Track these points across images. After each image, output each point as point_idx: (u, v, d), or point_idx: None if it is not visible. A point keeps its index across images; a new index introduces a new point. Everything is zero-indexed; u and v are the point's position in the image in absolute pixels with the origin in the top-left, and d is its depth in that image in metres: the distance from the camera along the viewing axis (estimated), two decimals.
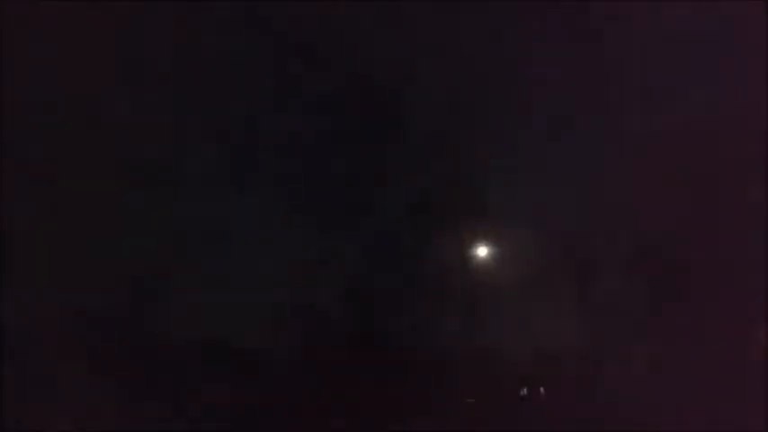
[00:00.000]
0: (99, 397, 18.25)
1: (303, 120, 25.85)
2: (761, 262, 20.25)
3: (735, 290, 21.38)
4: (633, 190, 22.75)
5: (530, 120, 27.65)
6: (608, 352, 20.88)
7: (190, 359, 19.93)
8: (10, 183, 19.36)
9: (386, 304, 20.93)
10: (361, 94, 22.19)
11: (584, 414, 17.91)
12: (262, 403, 18.74)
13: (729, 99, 21.39)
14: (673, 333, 20.58)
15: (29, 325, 18.96)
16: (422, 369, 19.45)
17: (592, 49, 24.45)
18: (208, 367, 19.96)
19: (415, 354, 20.02)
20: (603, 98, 23.51)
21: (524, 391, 21.30)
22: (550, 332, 21.56)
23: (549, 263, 22.37)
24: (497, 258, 22.60)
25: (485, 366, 20.93)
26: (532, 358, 21.60)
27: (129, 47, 21.86)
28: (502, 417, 19.11)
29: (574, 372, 21.09)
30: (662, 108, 22.78)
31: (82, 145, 20.80)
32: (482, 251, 22.49)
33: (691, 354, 19.88)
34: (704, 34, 21.79)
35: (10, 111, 19.34)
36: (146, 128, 24.36)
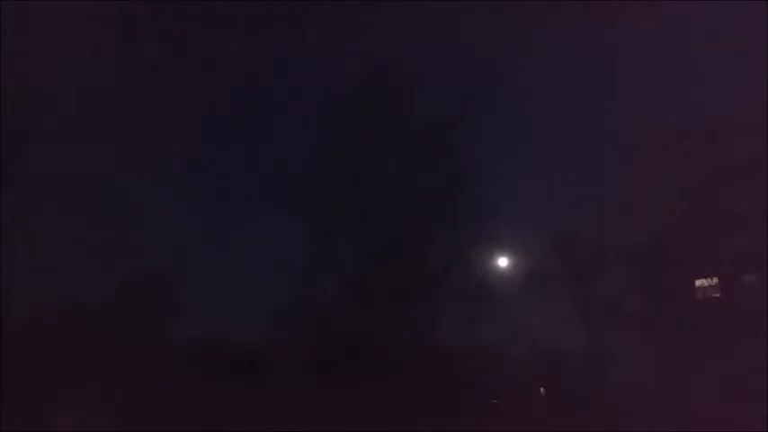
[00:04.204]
0: (99, 397, 18.23)
1: (303, 121, 25.87)
2: (761, 261, 20.22)
3: (735, 289, 21.36)
4: (633, 190, 22.76)
5: (530, 120, 27.61)
6: (608, 352, 20.85)
7: (190, 359, 19.91)
8: (10, 182, 19.41)
9: (386, 304, 20.90)
10: (362, 95, 22.19)
11: (584, 414, 17.85)
12: (261, 403, 18.70)
13: (729, 99, 21.40)
14: (673, 333, 20.53)
15: (29, 325, 19.00)
16: (422, 369, 19.39)
17: (592, 50, 24.52)
18: (208, 367, 19.93)
19: (415, 354, 19.97)
20: (604, 99, 23.54)
21: (526, 392, 21.28)
22: (550, 332, 21.55)
23: (549, 263, 22.38)
24: (498, 258, 22.59)
25: (485, 366, 20.89)
26: (533, 358, 21.58)
27: (128, 46, 21.94)
28: (503, 416, 19.05)
29: (574, 372, 21.08)
30: (662, 108, 22.82)
31: (82, 144, 20.85)
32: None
33: (691, 353, 19.83)
34: (704, 34, 21.83)
35: (11, 109, 19.40)
36: (146, 128, 24.40)
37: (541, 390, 21.54)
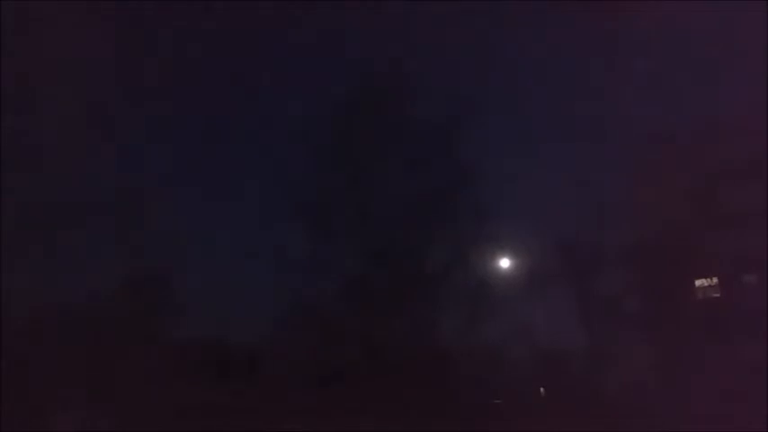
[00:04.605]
0: (99, 397, 18.24)
1: (304, 121, 25.85)
2: (761, 261, 20.23)
3: (735, 289, 21.36)
4: (633, 190, 22.77)
5: (530, 120, 27.61)
6: (608, 352, 20.83)
7: (190, 359, 19.90)
8: (10, 182, 19.40)
9: (386, 304, 20.87)
10: (362, 96, 22.15)
11: (584, 414, 17.86)
12: (261, 403, 18.71)
13: (729, 99, 21.42)
14: (673, 333, 20.53)
15: (29, 325, 18.99)
16: (422, 369, 19.37)
17: (592, 50, 24.54)
18: (208, 367, 19.93)
19: (415, 354, 19.94)
20: (604, 99, 23.57)
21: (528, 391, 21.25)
22: (550, 332, 21.55)
23: (549, 263, 22.36)
24: (498, 259, 22.55)
25: (484, 366, 20.88)
26: (533, 358, 21.59)
27: (130, 47, 21.95)
28: (503, 416, 19.07)
29: (574, 372, 21.07)
30: (662, 108, 22.84)
31: (82, 145, 20.86)
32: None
33: (691, 353, 19.83)
34: (704, 34, 21.84)
35: (10, 108, 19.38)
36: (146, 128, 24.43)
37: (541, 390, 21.54)
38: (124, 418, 17.77)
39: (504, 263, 22.62)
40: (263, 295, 22.96)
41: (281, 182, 22.68)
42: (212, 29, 23.34)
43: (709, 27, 21.68)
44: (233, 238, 25.84)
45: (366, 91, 22.07)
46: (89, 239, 21.34)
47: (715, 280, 22.00)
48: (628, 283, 22.03)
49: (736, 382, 17.88)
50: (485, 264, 22.30)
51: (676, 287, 22.03)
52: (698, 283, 22.37)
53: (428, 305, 21.17)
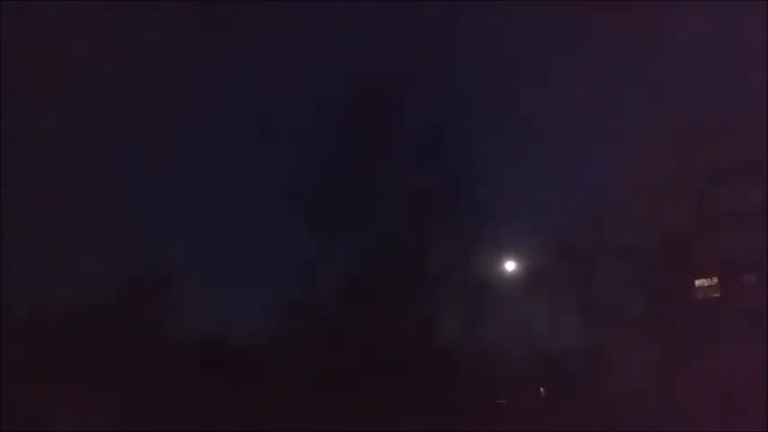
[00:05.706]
0: (99, 397, 18.25)
1: (303, 120, 25.88)
2: (761, 262, 20.23)
3: (735, 289, 21.35)
4: (633, 190, 22.76)
5: (530, 120, 27.61)
6: (608, 352, 20.82)
7: (190, 359, 19.90)
8: (10, 182, 19.42)
9: (386, 304, 20.85)
10: (363, 96, 22.15)
11: (584, 414, 17.85)
12: (261, 403, 18.70)
13: (729, 99, 21.42)
14: (673, 333, 20.52)
15: (29, 325, 19.01)
16: (422, 369, 19.37)
17: (592, 50, 24.55)
18: (208, 367, 19.92)
19: (414, 354, 19.93)
20: (604, 98, 23.58)
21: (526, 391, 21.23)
22: (551, 332, 21.53)
23: (549, 263, 22.34)
24: (498, 259, 22.53)
25: (485, 366, 20.87)
26: (533, 358, 21.57)
27: (130, 41, 21.97)
28: (503, 416, 19.06)
29: (574, 372, 21.05)
30: (662, 108, 22.85)
31: (83, 145, 20.88)
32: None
33: (691, 353, 19.82)
34: (705, 34, 21.85)
35: (12, 108, 19.39)
36: (146, 128, 24.42)
37: (541, 390, 21.53)
38: (124, 418, 17.77)
39: (504, 263, 22.62)
40: (263, 295, 22.89)
41: (281, 182, 22.62)
42: (212, 28, 23.32)
43: (709, 27, 21.68)
44: (233, 237, 25.81)
45: (366, 91, 22.07)
46: (89, 239, 21.37)
47: (715, 280, 21.98)
48: (628, 284, 22.00)
49: (736, 382, 17.86)
50: (485, 264, 22.30)
51: (676, 287, 22.01)
52: (698, 283, 22.34)
53: (428, 305, 21.16)
